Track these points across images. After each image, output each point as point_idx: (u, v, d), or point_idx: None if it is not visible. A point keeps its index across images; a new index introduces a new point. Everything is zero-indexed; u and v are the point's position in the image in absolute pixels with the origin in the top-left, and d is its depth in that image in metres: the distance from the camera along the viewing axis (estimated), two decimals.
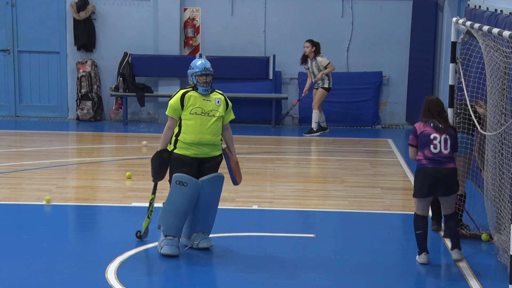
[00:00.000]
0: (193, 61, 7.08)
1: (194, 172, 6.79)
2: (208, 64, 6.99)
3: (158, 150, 6.90)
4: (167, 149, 6.89)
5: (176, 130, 6.85)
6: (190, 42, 14.07)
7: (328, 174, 10.25)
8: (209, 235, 7.01)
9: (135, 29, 14.00)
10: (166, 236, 6.81)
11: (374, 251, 7.19)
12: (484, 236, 7.50)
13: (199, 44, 14.11)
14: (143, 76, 14.00)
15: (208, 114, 6.79)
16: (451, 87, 7.55)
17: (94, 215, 8.39)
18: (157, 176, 6.96)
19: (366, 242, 7.43)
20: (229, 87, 13.79)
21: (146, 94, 13.77)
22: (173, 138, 6.87)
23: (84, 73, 13.86)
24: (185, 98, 6.82)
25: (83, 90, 13.90)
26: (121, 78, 13.75)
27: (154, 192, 7.16)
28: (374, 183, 9.79)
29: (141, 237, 7.16)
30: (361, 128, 13.92)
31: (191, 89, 6.90)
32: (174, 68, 13.84)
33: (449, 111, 7.50)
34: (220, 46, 14.07)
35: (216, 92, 6.98)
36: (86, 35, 13.86)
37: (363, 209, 8.60)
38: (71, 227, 8.08)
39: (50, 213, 8.18)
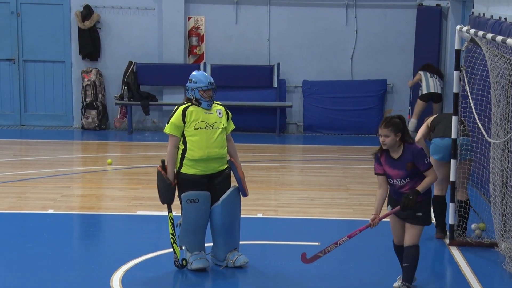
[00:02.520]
0: (194, 74, 6.73)
1: (203, 190, 6.61)
2: (211, 78, 6.73)
3: (162, 173, 6.59)
4: (172, 173, 6.59)
5: (181, 148, 6.61)
6: (195, 50, 14.10)
7: (333, 182, 10.24)
8: (238, 250, 6.87)
9: (140, 38, 14.04)
10: (191, 252, 6.69)
11: (379, 259, 7.18)
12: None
13: (203, 52, 14.15)
14: (148, 84, 14.03)
15: (212, 127, 6.58)
16: (456, 95, 7.55)
17: (99, 223, 8.40)
18: (165, 200, 6.70)
19: (371, 250, 7.42)
20: (234, 96, 13.81)
21: (150, 102, 13.80)
22: (179, 156, 6.62)
23: (89, 82, 13.90)
24: (186, 113, 6.57)
25: (88, 99, 13.93)
26: (125, 87, 13.79)
27: (170, 210, 6.81)
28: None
29: (184, 266, 6.78)
30: (366, 136, 13.91)
31: (190, 103, 6.65)
32: (179, 76, 13.86)
33: (454, 119, 7.49)
34: (225, 54, 14.10)
35: (215, 103, 6.75)
36: (91, 44, 13.90)
37: (368, 217, 8.50)
38: (76, 235, 8.09)
39: (54, 221, 8.20)
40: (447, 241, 7.62)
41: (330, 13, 14.03)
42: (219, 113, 6.69)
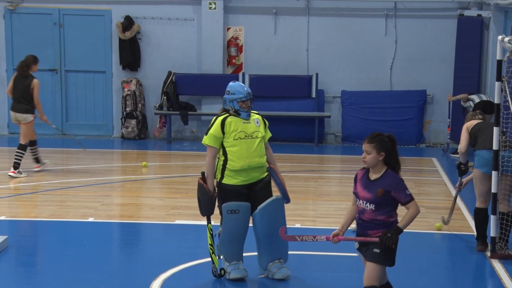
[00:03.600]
0: (232, 85, 6.68)
1: (245, 201, 6.59)
2: (249, 88, 6.70)
3: (204, 186, 6.54)
4: (212, 185, 6.56)
5: (221, 159, 6.58)
6: (233, 61, 14.17)
7: None
8: (286, 261, 6.82)
9: (179, 49, 14.17)
10: (229, 262, 6.69)
11: (419, 271, 7.11)
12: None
13: (242, 63, 14.21)
14: (187, 94, 14.14)
15: (251, 136, 6.58)
16: (497, 106, 7.46)
17: (138, 232, 8.46)
18: (206, 211, 6.66)
19: (410, 262, 7.34)
20: (272, 106, 13.83)
21: (189, 112, 13.89)
22: (219, 167, 6.59)
23: (129, 92, 14.05)
24: (225, 124, 6.55)
25: (128, 109, 14.08)
26: (165, 97, 13.91)
27: (209, 221, 6.76)
28: (418, 202, 9.58)
29: (222, 276, 6.77)
30: (405, 147, 13.81)
31: (227, 114, 6.64)
32: (217, 87, 13.94)
33: (495, 130, 7.40)
34: (263, 64, 14.14)
35: (252, 112, 6.73)
36: (131, 55, 14.07)
37: (407, 228, 8.46)
38: (116, 244, 8.16)
39: (95, 230, 8.28)
40: (488, 253, 7.51)
41: (369, 23, 13.99)
42: (257, 122, 6.69)
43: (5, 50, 14.26)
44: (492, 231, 7.49)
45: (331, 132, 14.23)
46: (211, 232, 6.71)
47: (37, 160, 11.10)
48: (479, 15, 13.48)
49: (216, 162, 6.65)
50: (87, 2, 14.16)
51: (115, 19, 14.10)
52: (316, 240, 5.80)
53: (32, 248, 7.33)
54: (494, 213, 7.49)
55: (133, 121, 14.08)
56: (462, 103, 12.85)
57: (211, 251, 6.70)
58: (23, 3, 14.19)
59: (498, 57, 7.57)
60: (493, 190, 7.42)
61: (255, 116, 6.74)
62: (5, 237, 7.43)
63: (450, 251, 7.85)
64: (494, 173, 7.40)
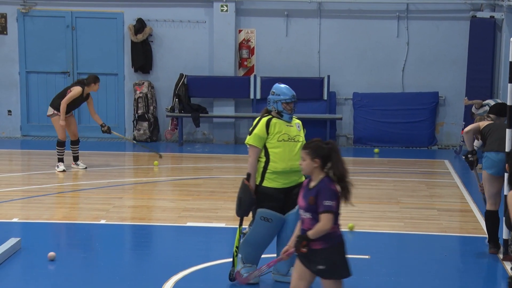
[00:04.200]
0: (278, 86, 6.67)
1: (280, 207, 6.54)
2: (293, 91, 6.71)
3: (249, 186, 6.44)
4: (255, 188, 6.48)
5: (262, 160, 6.51)
6: (245, 63, 14.19)
7: (384, 195, 10.17)
8: None
9: (191, 51, 14.20)
10: (244, 263, 6.66)
11: (430, 273, 7.10)
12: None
13: (253, 65, 14.23)
14: (199, 97, 14.17)
15: (293, 139, 6.57)
16: (510, 108, 7.43)
17: (149, 234, 8.49)
18: (245, 213, 6.55)
19: (422, 264, 7.33)
20: None
21: (201, 115, 13.92)
22: (260, 169, 6.52)
23: (140, 94, 14.10)
24: (270, 125, 6.52)
25: (139, 111, 14.13)
26: (176, 99, 13.94)
27: (241, 224, 6.65)
28: (430, 205, 9.67)
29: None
30: (417, 149, 13.78)
31: (270, 115, 6.61)
32: (229, 89, 13.97)
33: (508, 132, 7.37)
34: (275, 67, 14.16)
35: (293, 116, 6.75)
36: (143, 57, 14.12)
37: (419, 230, 8.50)
38: (128, 246, 8.19)
39: (107, 232, 8.32)
40: (500, 256, 7.49)
41: (381, 25, 13.97)
42: (298, 126, 6.71)
43: (18, 53, 14.35)
44: (504, 233, 7.47)
45: (342, 134, 14.22)
46: (242, 233, 6.66)
47: (73, 159, 11.52)
48: (492, 17, 13.43)
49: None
50: (100, 5, 14.23)
51: (127, 22, 14.17)
52: (269, 266, 5.60)
53: (45, 250, 7.37)
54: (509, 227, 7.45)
55: (145, 124, 14.13)
56: (474, 109, 12.76)
57: (235, 253, 6.66)
58: (36, 6, 14.28)
59: (510, 59, 7.55)
60: (506, 192, 7.39)
61: (296, 121, 6.74)
62: (18, 239, 7.48)
63: (461, 253, 7.84)
64: (507, 175, 7.37)
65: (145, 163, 12.54)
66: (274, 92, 6.67)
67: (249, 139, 6.55)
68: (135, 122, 14.17)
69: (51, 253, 7.19)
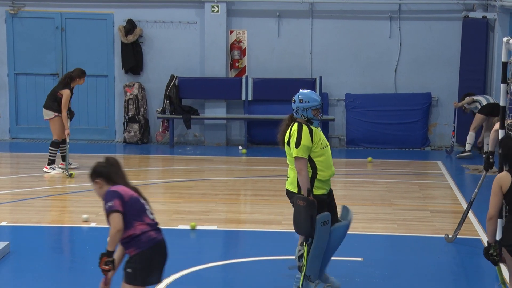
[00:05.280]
0: (305, 93, 6.50)
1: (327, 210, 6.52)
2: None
3: (315, 203, 6.24)
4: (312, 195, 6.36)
5: (309, 171, 6.39)
6: (237, 64, 14.17)
7: (376, 197, 10.16)
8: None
9: (182, 52, 14.17)
10: (313, 281, 6.49)
11: (424, 276, 7.09)
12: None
13: (245, 66, 14.21)
14: (190, 98, 14.14)
15: (327, 144, 6.57)
16: (503, 108, 7.44)
17: None
18: (313, 229, 6.33)
19: (415, 267, 7.33)
20: (276, 109, 13.82)
21: (192, 116, 13.89)
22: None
23: (131, 96, 14.06)
24: (314, 134, 6.43)
25: (130, 113, 14.09)
26: (167, 101, 13.90)
27: (307, 242, 6.42)
28: (423, 206, 9.68)
29: None
30: (410, 150, 13.79)
31: (304, 123, 6.45)
32: (221, 90, 13.95)
33: (500, 133, 7.38)
34: (267, 68, 14.14)
35: None
36: (133, 58, 14.08)
37: (412, 232, 8.50)
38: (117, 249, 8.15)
39: (97, 235, 8.27)
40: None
41: (373, 26, 13.98)
42: (321, 130, 6.65)
43: (7, 55, 14.28)
44: (499, 235, 7.45)
45: (335, 135, 14.22)
46: (308, 250, 6.41)
47: (62, 159, 11.49)
48: (484, 17, 13.45)
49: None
50: (89, 6, 14.18)
51: (117, 23, 14.12)
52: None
53: (34, 254, 7.33)
54: (501, 216, 7.46)
55: (136, 126, 14.09)
56: (466, 105, 12.83)
57: (304, 276, 6.40)
58: (25, 7, 14.21)
59: (503, 59, 7.56)
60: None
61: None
62: (6, 243, 7.43)
63: (455, 255, 7.83)
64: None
65: (136, 165, 12.50)
66: (302, 99, 6.47)
67: (298, 152, 6.32)
68: (125, 124, 14.13)
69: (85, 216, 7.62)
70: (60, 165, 11.49)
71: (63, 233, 8.44)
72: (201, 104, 14.20)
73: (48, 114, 11.24)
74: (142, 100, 14.16)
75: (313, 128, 6.47)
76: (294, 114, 6.52)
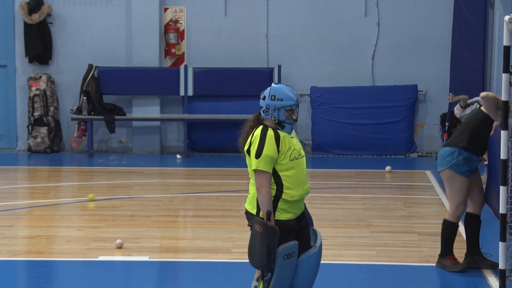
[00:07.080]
0: (278, 88, 6.34)
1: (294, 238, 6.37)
2: None
3: (274, 229, 6.16)
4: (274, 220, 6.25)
5: (273, 188, 6.26)
6: (173, 50, 14.16)
7: (350, 217, 10.23)
8: None
9: (103, 36, 14.10)
10: None
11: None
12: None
13: (184, 53, 14.21)
14: (113, 94, 14.08)
15: (300, 154, 6.36)
16: (505, 104, 7.56)
17: (50, 272, 8.40)
18: (270, 262, 6.24)
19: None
20: (224, 107, 13.84)
21: (116, 117, 13.83)
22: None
23: (37, 92, 13.95)
24: (281, 141, 6.24)
25: (36, 113, 13.97)
26: (85, 98, 13.83)
27: (263, 277, 6.35)
28: (409, 228, 9.77)
29: None
30: (392, 157, 13.93)
31: (270, 127, 6.30)
32: (153, 84, 13.92)
33: (503, 134, 7.50)
34: (211, 55, 14.16)
35: None
36: (40, 44, 13.97)
37: (395, 260, 8.57)
38: None
39: None
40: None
41: (344, 2, 14.10)
42: (295, 135, 6.47)
43: None
44: (501, 262, 7.56)
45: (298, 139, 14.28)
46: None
47: None
48: None
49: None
50: None
51: None
52: None
53: None
54: (503, 239, 7.56)
55: (44, 129, 13.98)
56: (457, 110, 12.88)
57: None
58: None
59: (505, 43, 7.68)
60: (502, 210, 7.51)
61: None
62: None
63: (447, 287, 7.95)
64: (502, 188, 7.49)
65: (44, 179, 12.38)
66: (274, 96, 6.31)
67: (258, 164, 6.19)
68: (30, 127, 14.01)
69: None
70: None
71: None
72: (128, 102, 14.14)
73: None
74: (51, 96, 14.06)
75: (282, 134, 6.30)
76: (261, 113, 6.35)
